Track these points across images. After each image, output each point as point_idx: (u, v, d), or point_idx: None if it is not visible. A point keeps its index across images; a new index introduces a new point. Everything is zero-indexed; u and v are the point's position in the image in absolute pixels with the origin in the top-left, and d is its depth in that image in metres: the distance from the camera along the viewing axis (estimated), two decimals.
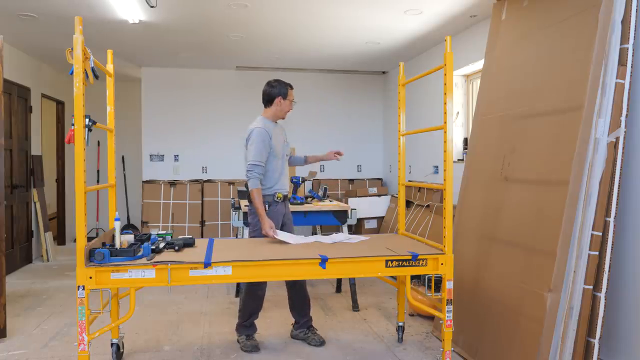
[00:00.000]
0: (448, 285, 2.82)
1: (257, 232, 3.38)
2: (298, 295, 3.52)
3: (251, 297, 3.39)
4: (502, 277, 3.02)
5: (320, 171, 7.24)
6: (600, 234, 2.63)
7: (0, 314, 3.50)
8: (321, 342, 3.44)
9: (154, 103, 6.94)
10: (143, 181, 6.94)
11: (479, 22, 4.68)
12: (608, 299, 2.69)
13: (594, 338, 2.63)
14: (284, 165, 3.51)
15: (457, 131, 5.29)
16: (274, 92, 3.44)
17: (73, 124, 2.49)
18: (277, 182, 3.43)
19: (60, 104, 7.33)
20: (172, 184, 6.93)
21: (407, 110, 3.71)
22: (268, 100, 3.47)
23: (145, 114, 6.96)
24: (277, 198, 3.42)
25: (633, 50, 2.64)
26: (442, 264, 2.83)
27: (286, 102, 3.46)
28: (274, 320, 3.96)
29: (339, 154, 3.65)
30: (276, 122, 3.52)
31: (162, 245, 2.88)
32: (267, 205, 3.38)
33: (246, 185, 3.46)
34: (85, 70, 2.52)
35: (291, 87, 3.50)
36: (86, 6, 4.21)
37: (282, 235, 3.26)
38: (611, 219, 2.63)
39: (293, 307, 3.55)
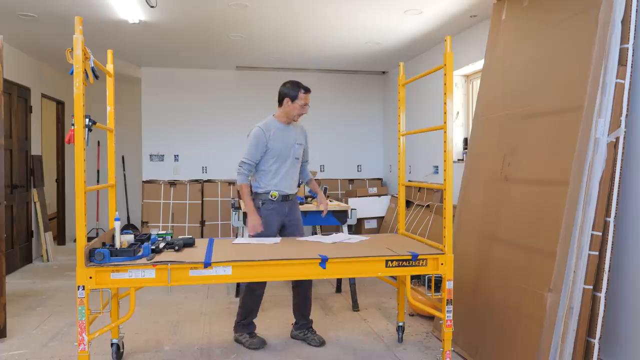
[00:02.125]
0: (448, 285, 2.82)
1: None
2: (299, 296, 3.52)
3: (250, 296, 3.40)
4: (502, 277, 3.02)
5: (320, 171, 7.23)
6: (600, 234, 2.63)
7: (0, 314, 3.51)
8: (321, 343, 3.44)
9: (154, 103, 6.95)
10: (143, 181, 6.94)
11: (479, 22, 4.68)
12: (608, 299, 2.69)
13: (594, 338, 2.63)
14: (287, 166, 3.44)
15: (457, 131, 5.29)
16: (284, 93, 3.41)
17: (73, 124, 2.49)
18: (273, 182, 3.41)
19: (60, 104, 7.33)
20: (172, 184, 6.93)
21: (407, 110, 3.72)
22: (279, 99, 3.45)
23: (145, 114, 6.96)
24: (272, 196, 3.40)
25: (633, 50, 2.64)
26: (442, 264, 2.83)
27: (294, 105, 3.39)
28: (274, 320, 3.96)
29: (323, 210, 3.64)
30: (289, 123, 3.48)
31: (162, 245, 2.88)
32: (260, 203, 3.39)
33: None
34: (85, 70, 2.52)
35: (306, 91, 3.40)
36: (86, 6, 4.21)
37: (257, 240, 3.24)
38: (611, 219, 2.63)
39: (296, 307, 3.56)
